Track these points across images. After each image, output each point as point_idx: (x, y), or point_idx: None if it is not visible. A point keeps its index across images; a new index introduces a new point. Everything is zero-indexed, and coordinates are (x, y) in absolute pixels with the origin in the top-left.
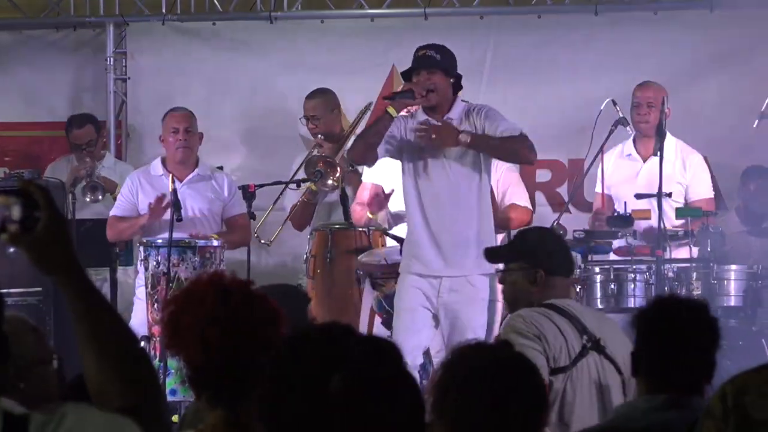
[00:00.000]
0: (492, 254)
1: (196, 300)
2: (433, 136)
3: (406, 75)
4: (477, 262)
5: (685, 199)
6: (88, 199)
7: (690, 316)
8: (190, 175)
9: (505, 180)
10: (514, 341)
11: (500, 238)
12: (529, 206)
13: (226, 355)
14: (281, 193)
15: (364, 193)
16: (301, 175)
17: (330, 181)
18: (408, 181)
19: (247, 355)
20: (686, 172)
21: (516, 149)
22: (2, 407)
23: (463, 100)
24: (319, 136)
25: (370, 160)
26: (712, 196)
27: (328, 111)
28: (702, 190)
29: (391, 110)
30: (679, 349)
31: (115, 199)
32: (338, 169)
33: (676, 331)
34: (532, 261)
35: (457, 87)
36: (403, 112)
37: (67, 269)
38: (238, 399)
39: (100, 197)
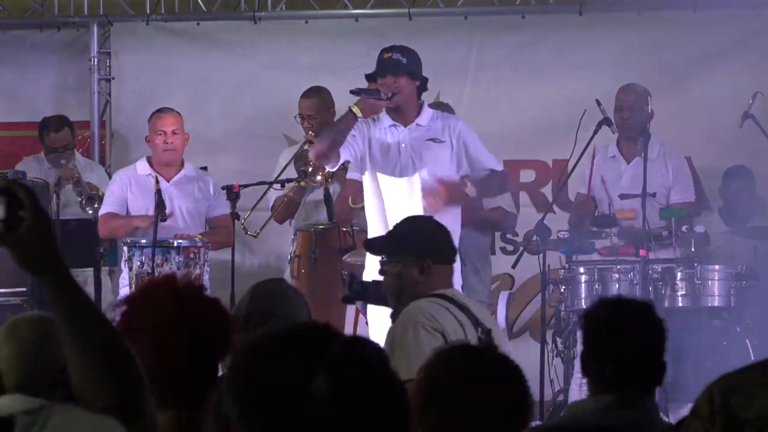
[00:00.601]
0: (374, 245)
1: (150, 302)
2: (441, 204)
3: (371, 77)
4: None
5: (667, 201)
6: (89, 212)
7: (635, 316)
8: (177, 176)
9: None
10: (414, 335)
11: (485, 243)
12: (514, 210)
13: (178, 358)
14: (264, 194)
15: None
16: (290, 171)
17: (319, 177)
18: (370, 189)
19: (198, 358)
20: (668, 174)
21: (500, 187)
22: None
23: (438, 102)
24: (310, 133)
25: (333, 161)
26: (693, 199)
27: (324, 110)
28: (683, 192)
29: (355, 109)
30: (624, 349)
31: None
32: None
33: (621, 332)
34: (418, 250)
35: (422, 90)
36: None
37: (51, 269)
38: (188, 401)
39: (96, 206)
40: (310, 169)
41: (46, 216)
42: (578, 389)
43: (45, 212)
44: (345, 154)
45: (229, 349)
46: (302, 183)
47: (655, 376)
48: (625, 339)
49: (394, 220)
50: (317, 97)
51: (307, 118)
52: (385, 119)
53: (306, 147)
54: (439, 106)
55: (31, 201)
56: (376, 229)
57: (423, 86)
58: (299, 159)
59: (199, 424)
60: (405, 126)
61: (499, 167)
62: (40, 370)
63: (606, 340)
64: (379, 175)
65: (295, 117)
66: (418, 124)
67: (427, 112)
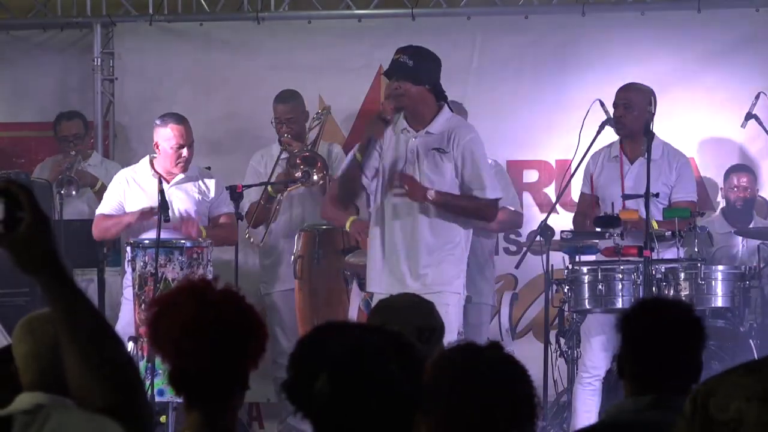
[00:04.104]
0: None
1: (175, 306)
2: (406, 188)
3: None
4: (432, 278)
5: (669, 201)
6: (62, 192)
7: (674, 317)
8: (178, 177)
9: None
10: None
11: (489, 243)
12: (520, 210)
13: (201, 362)
14: (261, 196)
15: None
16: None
17: (315, 177)
18: (376, 190)
19: (225, 364)
20: (672, 174)
21: (477, 211)
22: None
23: (453, 101)
24: (286, 135)
25: (358, 197)
26: (696, 199)
27: (301, 113)
28: (686, 192)
29: (358, 156)
30: (663, 350)
31: (96, 194)
32: (318, 161)
33: (660, 333)
34: None
35: (437, 92)
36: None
37: (49, 270)
38: (217, 402)
39: (73, 192)
40: (309, 172)
41: (44, 217)
42: (582, 389)
43: (44, 213)
44: (366, 182)
45: (262, 353)
46: (270, 191)
47: (692, 375)
48: (664, 340)
49: (388, 225)
50: (296, 101)
51: (286, 122)
52: (401, 122)
53: (286, 151)
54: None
55: (30, 202)
56: (372, 234)
57: (436, 89)
58: (289, 164)
59: (225, 425)
60: (416, 132)
61: (493, 194)
62: (54, 369)
63: (646, 342)
64: (382, 178)
65: (270, 122)
66: (427, 132)
67: (441, 119)
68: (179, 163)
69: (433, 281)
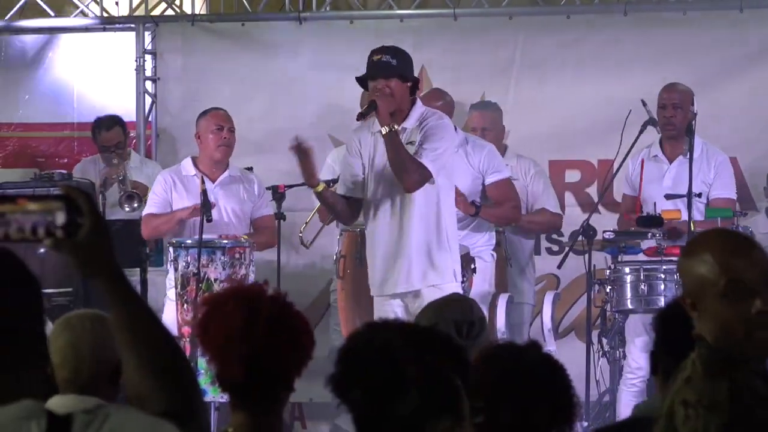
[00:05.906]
0: None
1: (225, 310)
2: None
3: (362, 80)
4: (418, 276)
5: (708, 198)
6: (126, 209)
7: None
8: (222, 176)
9: (535, 186)
10: None
11: (529, 244)
12: (559, 211)
13: (248, 369)
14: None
15: None
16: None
17: None
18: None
19: (271, 370)
20: (710, 172)
21: (411, 172)
22: (46, 407)
23: (487, 101)
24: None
25: (355, 210)
26: (735, 197)
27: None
28: (723, 190)
29: (320, 187)
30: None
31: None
32: None
33: (691, 333)
34: None
35: (414, 89)
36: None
37: (109, 274)
38: (259, 404)
39: (135, 205)
40: None
41: (104, 222)
42: (627, 390)
43: (103, 218)
44: (352, 191)
45: (308, 359)
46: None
47: None
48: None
49: (375, 222)
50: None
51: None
52: (375, 124)
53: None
54: (486, 105)
55: (90, 207)
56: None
57: (414, 87)
58: None
59: (269, 427)
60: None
61: (431, 167)
62: (96, 365)
63: (678, 341)
64: (368, 176)
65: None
66: (403, 128)
67: (414, 114)
68: (221, 145)
69: (427, 277)
